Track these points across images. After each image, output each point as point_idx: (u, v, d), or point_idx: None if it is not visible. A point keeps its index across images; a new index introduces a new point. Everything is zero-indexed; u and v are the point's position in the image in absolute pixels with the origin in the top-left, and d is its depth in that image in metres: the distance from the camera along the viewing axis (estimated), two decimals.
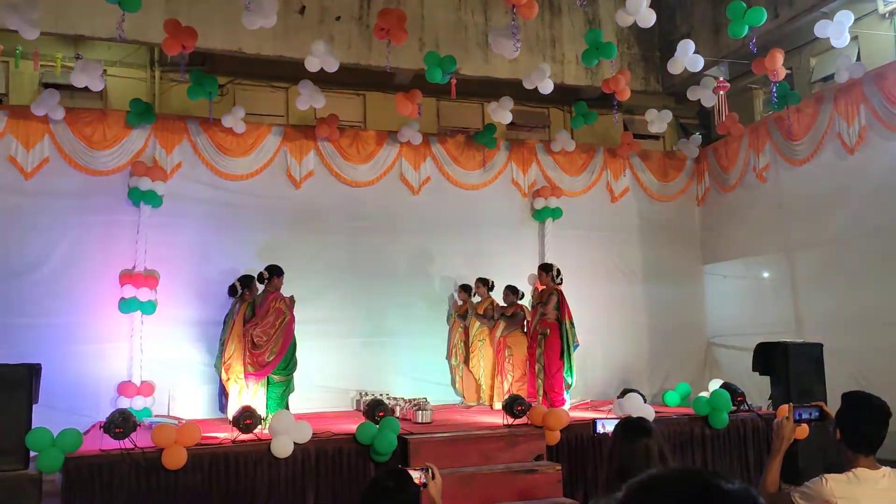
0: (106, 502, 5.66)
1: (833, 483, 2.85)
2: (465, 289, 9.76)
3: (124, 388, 8.44)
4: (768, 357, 7.91)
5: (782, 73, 8.70)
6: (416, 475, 2.91)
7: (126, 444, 5.85)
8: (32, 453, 5.63)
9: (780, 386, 7.71)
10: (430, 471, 2.99)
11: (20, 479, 5.50)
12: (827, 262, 9.12)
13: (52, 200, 8.67)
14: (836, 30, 7.96)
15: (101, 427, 6.00)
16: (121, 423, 5.94)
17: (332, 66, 8.16)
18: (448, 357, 9.88)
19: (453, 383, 9.82)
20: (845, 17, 7.94)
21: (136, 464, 5.77)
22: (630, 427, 2.79)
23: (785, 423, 3.11)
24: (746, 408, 7.76)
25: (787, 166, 9.82)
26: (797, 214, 9.61)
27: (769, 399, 7.94)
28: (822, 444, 6.25)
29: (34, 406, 5.80)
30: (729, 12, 7.79)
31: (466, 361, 9.51)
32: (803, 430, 3.16)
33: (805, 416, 3.21)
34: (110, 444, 5.88)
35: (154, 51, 10.00)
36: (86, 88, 8.40)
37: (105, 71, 8.67)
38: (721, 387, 7.89)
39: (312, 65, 8.11)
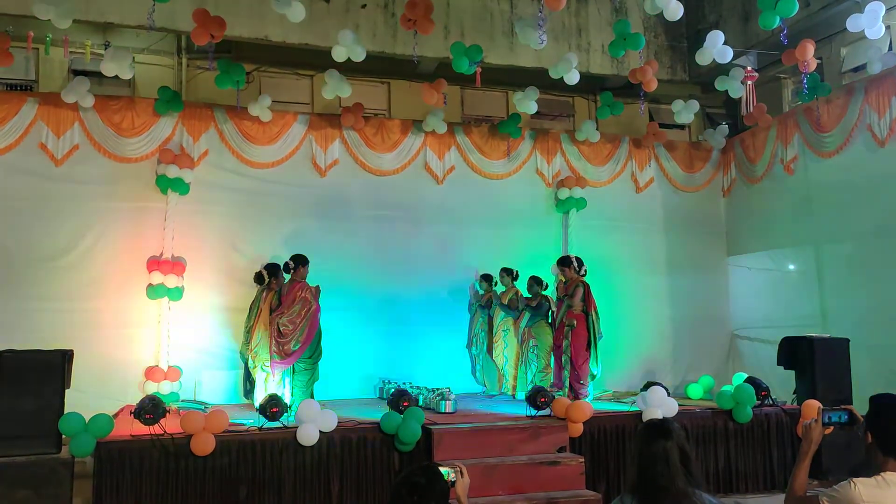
0: (136, 486, 5.82)
1: (862, 487, 2.84)
2: (486, 278, 9.76)
3: (151, 372, 8.59)
4: (793, 351, 7.86)
5: (813, 64, 8.56)
6: (446, 472, 2.94)
7: (156, 429, 5.98)
8: (65, 437, 5.77)
9: (805, 381, 7.67)
10: (458, 469, 3.03)
11: (53, 463, 5.66)
12: (855, 256, 9.00)
13: (82, 187, 8.80)
14: (870, 20, 7.79)
15: (131, 412, 6.12)
16: (151, 409, 6.06)
17: (359, 56, 8.16)
18: (468, 346, 9.92)
19: (474, 372, 9.86)
20: (877, 7, 7.77)
21: (165, 449, 5.90)
22: (651, 429, 2.78)
23: (814, 426, 3.10)
24: (771, 402, 7.70)
25: (815, 158, 9.68)
26: (825, 207, 9.49)
27: (794, 394, 7.89)
28: (848, 442, 6.22)
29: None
30: (760, 3, 7.66)
31: (489, 351, 9.54)
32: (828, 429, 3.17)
33: (834, 418, 3.18)
34: (140, 429, 6.01)
35: (181, 38, 10.03)
36: (115, 76, 8.48)
37: (133, 58, 8.74)
38: (745, 381, 7.83)
39: (339, 54, 8.12)
